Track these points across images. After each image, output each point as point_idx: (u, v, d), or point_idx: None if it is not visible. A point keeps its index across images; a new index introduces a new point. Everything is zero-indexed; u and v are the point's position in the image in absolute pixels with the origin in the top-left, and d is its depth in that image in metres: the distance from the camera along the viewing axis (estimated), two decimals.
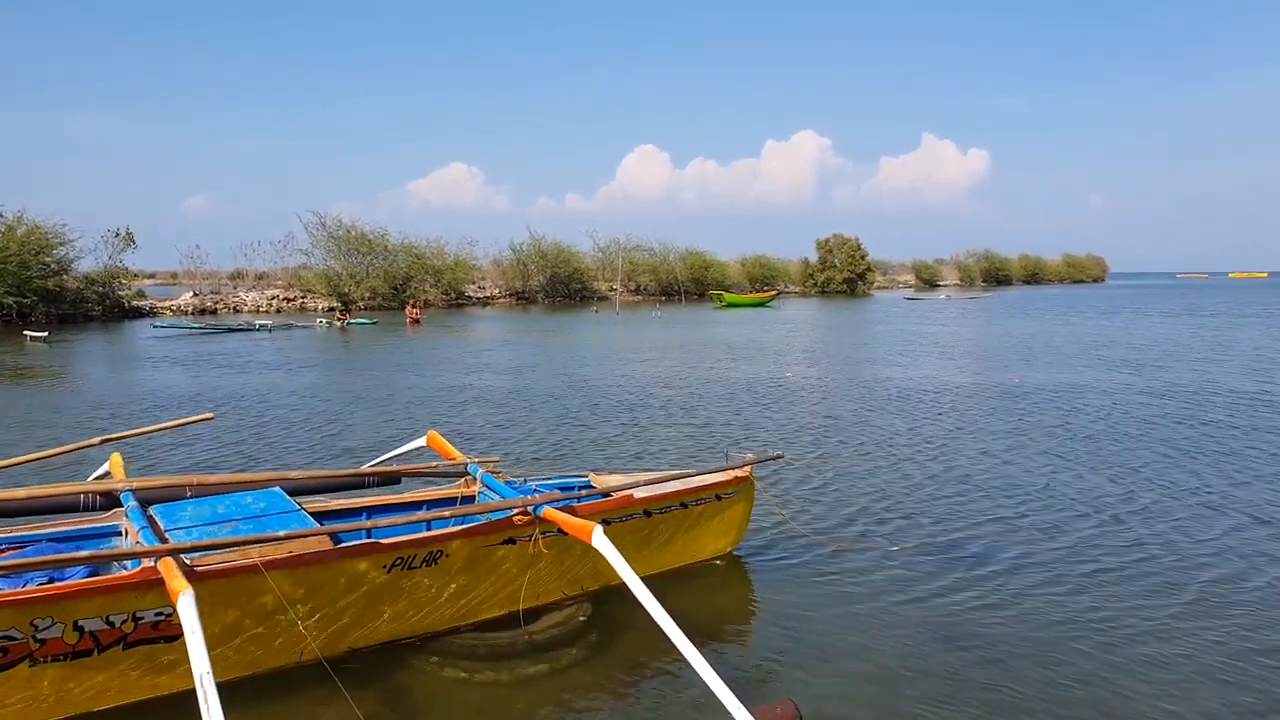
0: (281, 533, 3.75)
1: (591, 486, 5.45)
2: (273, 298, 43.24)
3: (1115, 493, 7.11)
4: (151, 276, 53.26)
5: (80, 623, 3.35)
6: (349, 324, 32.02)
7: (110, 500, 4.36)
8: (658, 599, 3.41)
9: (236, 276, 46.93)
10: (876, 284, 75.09)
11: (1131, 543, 5.81)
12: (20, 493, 4.24)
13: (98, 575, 3.62)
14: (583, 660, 4.11)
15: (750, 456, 5.38)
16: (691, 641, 3.19)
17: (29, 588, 3.37)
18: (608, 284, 55.75)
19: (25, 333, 25.83)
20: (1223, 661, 4.07)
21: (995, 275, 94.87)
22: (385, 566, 3.97)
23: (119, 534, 4.27)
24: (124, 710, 3.56)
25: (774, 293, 57.27)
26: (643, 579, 3.52)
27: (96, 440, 5.36)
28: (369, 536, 4.38)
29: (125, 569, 3.71)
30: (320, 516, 4.64)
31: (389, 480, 5.15)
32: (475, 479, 5.12)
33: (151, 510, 4.14)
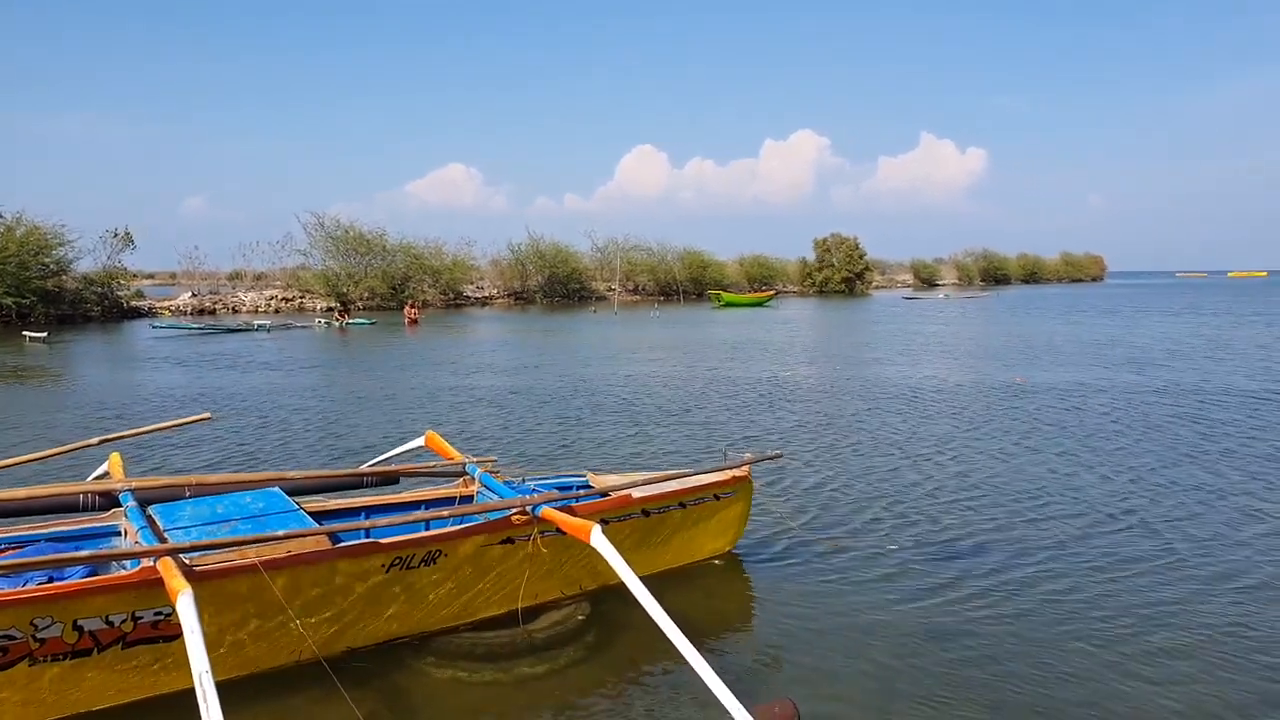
0: (280, 532, 3.75)
1: (589, 486, 5.47)
2: (271, 298, 43.23)
3: (1117, 492, 7.12)
4: (150, 277, 53.18)
5: (80, 622, 3.36)
6: (347, 324, 32.00)
7: (109, 500, 4.36)
8: (656, 598, 3.42)
9: (235, 277, 46.87)
10: (875, 284, 75.07)
11: (1133, 542, 5.81)
12: (20, 493, 4.25)
13: (97, 575, 3.62)
14: (581, 660, 4.12)
15: (748, 456, 5.39)
16: (690, 640, 3.20)
17: (28, 587, 3.38)
18: (606, 284, 55.73)
19: (24, 333, 25.81)
20: (1225, 660, 4.07)
21: (994, 275, 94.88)
22: (384, 566, 3.98)
23: (118, 534, 4.28)
24: (123, 710, 3.56)
25: (772, 292, 57.28)
26: (641, 578, 3.52)
27: (95, 440, 5.36)
28: (367, 536, 4.39)
29: (124, 569, 3.71)
30: (319, 516, 4.65)
31: (387, 480, 5.16)
32: (474, 479, 5.12)
33: (150, 510, 4.15)
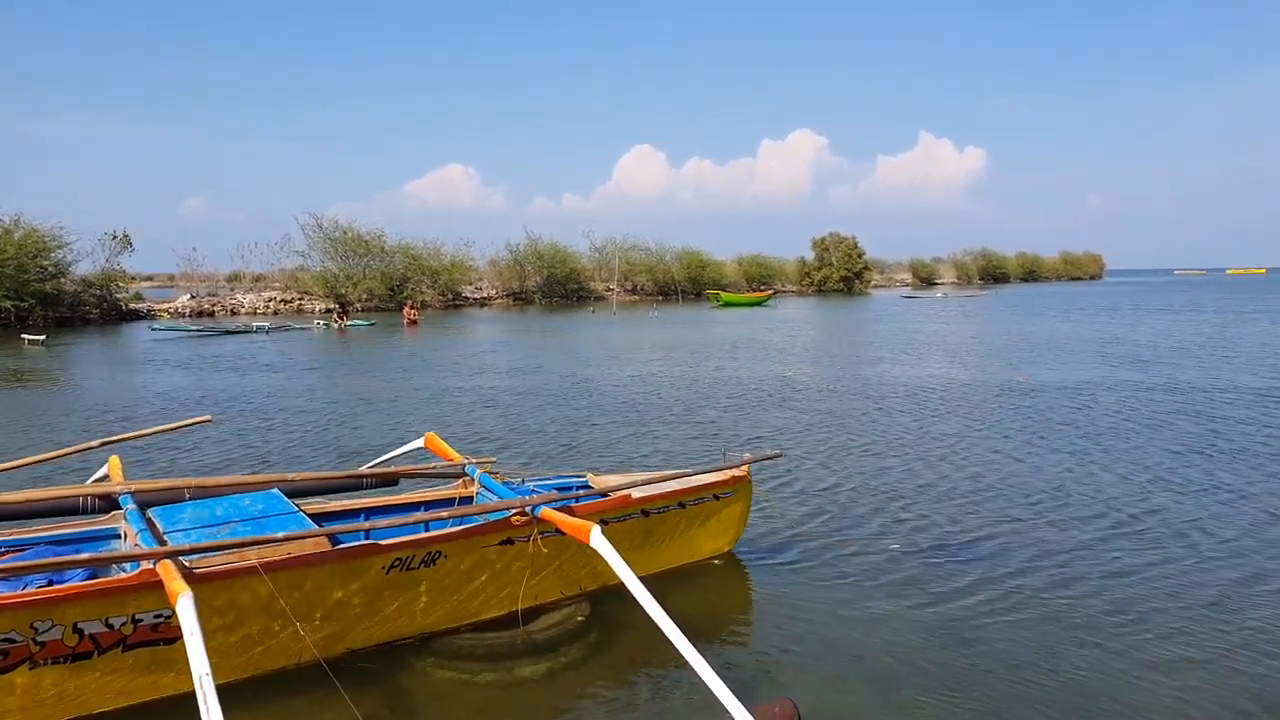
0: (280, 534, 3.76)
1: (589, 487, 5.46)
2: (270, 300, 43.21)
3: (1122, 491, 7.10)
4: (149, 279, 53.21)
5: (80, 625, 3.36)
6: (347, 325, 32.00)
7: (109, 503, 4.36)
8: (656, 599, 3.42)
9: (234, 279, 46.88)
10: (873, 283, 75.08)
11: (1137, 542, 5.80)
12: (19, 496, 4.25)
13: (97, 578, 3.62)
14: (581, 660, 4.12)
15: (748, 456, 5.39)
16: (690, 641, 3.20)
17: (29, 590, 3.38)
18: (605, 284, 55.70)
19: (23, 336, 25.79)
20: (1231, 660, 4.04)
21: (992, 273, 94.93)
22: (384, 567, 3.98)
23: (118, 536, 4.28)
24: (124, 712, 3.56)
25: (771, 292, 57.32)
26: (641, 579, 3.52)
27: (95, 443, 5.36)
28: (367, 538, 4.39)
29: (124, 571, 3.71)
30: (319, 518, 4.65)
31: (387, 481, 5.16)
32: (473, 480, 5.12)
33: (150, 513, 4.15)
